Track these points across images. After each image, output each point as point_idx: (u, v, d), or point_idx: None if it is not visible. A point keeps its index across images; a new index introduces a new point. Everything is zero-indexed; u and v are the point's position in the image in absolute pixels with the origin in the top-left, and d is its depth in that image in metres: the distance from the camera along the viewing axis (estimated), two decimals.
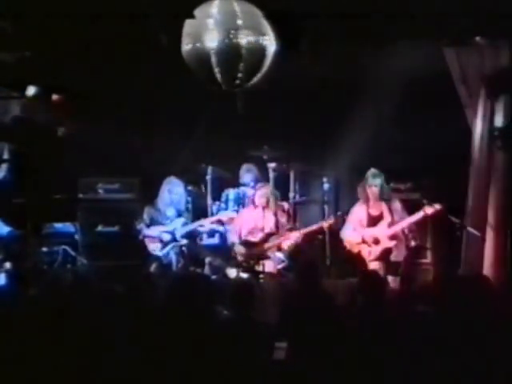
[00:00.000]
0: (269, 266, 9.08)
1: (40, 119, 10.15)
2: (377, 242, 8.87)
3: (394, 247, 8.83)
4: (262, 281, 8.95)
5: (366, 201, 8.97)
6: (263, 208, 9.39)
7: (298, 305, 6.52)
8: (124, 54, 9.51)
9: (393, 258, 8.85)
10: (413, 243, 8.85)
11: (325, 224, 9.29)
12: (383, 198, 8.95)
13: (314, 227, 9.32)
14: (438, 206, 8.74)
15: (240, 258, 9.16)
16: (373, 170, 8.96)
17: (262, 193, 9.44)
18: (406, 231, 8.87)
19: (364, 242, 8.94)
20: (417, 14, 8.20)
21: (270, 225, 9.32)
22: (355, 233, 9.00)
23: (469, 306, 4.92)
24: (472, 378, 4.64)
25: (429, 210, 8.75)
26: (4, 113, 10.10)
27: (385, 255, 8.83)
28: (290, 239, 9.27)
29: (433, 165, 9.97)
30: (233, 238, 9.39)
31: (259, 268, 9.03)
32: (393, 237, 8.85)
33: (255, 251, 9.13)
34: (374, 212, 9.01)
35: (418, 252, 9.30)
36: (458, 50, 9.03)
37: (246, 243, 9.25)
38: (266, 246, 9.16)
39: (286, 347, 5.76)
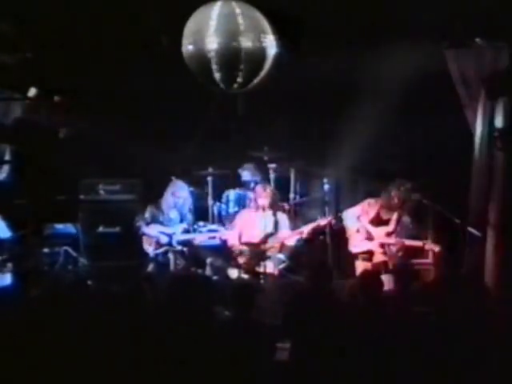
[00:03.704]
0: (269, 267, 9.09)
1: (41, 121, 10.17)
2: (369, 239, 8.95)
3: (382, 254, 8.89)
4: (262, 281, 8.96)
5: (386, 206, 8.98)
6: (263, 209, 9.39)
7: (300, 305, 6.53)
8: (125, 54, 9.54)
9: (378, 259, 8.91)
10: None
11: (322, 222, 9.30)
12: (402, 208, 8.98)
13: (311, 226, 9.30)
14: (436, 248, 8.90)
15: (240, 259, 9.17)
16: (399, 181, 8.97)
17: (264, 193, 9.43)
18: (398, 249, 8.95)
19: (358, 231, 8.99)
20: (417, 15, 8.21)
21: (270, 225, 9.33)
22: (356, 220, 9.05)
23: (468, 305, 4.95)
24: (471, 377, 4.67)
25: (428, 246, 8.91)
26: (6, 114, 10.12)
27: (369, 256, 8.91)
28: (290, 239, 9.28)
29: (433, 165, 9.99)
30: (233, 239, 9.38)
31: (260, 269, 9.04)
32: (383, 245, 8.91)
33: (255, 252, 9.13)
34: (385, 216, 9.03)
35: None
36: (458, 51, 9.04)
37: (246, 244, 9.24)
38: (266, 246, 9.16)
39: (288, 348, 5.78)
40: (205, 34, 7.95)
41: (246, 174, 10.44)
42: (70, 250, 9.87)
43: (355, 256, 9.01)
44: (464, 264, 9.06)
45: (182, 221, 9.69)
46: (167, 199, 9.68)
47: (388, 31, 8.66)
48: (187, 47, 8.15)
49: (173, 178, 9.89)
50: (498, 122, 8.93)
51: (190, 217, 9.79)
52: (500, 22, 8.35)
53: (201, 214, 10.26)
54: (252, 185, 10.25)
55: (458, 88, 9.16)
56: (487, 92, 8.95)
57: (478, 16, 8.28)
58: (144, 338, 5.24)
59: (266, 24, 7.91)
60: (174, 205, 9.66)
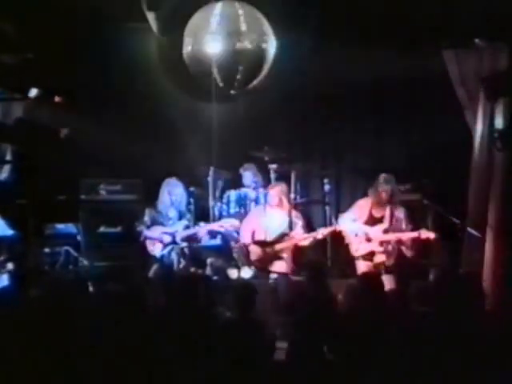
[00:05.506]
0: (280, 267, 9.04)
1: (42, 121, 10.18)
2: (368, 241, 8.91)
3: (383, 252, 8.85)
4: (272, 281, 8.93)
5: (376, 203, 8.94)
6: (276, 207, 9.32)
7: (300, 305, 6.55)
8: (125, 54, 9.56)
9: (380, 259, 8.88)
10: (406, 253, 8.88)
11: (338, 228, 9.24)
12: (392, 202, 8.94)
13: (327, 230, 9.24)
14: (432, 235, 8.81)
15: (253, 257, 9.11)
16: (384, 175, 8.92)
17: (275, 192, 9.36)
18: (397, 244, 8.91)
19: (357, 235, 8.97)
20: (416, 15, 8.23)
21: (284, 225, 9.24)
22: (352, 224, 9.01)
23: (468, 305, 4.95)
24: (471, 378, 4.67)
25: (424, 234, 8.79)
26: (6, 114, 10.14)
27: (370, 256, 8.88)
28: (304, 241, 9.20)
29: (433, 166, 10.00)
30: (244, 238, 9.29)
31: (272, 268, 9.00)
32: (383, 243, 8.87)
33: (268, 251, 9.08)
34: (377, 213, 8.98)
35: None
36: (458, 51, 9.05)
37: (258, 243, 9.17)
38: (280, 246, 9.09)
39: (286, 348, 5.79)
40: (205, 34, 7.98)
41: (246, 175, 10.43)
42: (71, 250, 9.87)
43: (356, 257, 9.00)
44: (463, 264, 9.07)
45: (181, 218, 9.69)
46: (163, 199, 9.64)
47: (388, 31, 8.67)
48: (188, 47, 8.18)
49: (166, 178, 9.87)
50: (498, 122, 8.93)
51: (188, 214, 9.78)
52: (500, 22, 8.35)
53: (202, 214, 10.26)
54: (253, 185, 10.25)
55: (458, 88, 9.17)
56: (487, 93, 8.95)
57: (478, 16, 8.29)
58: (144, 338, 5.25)
59: (266, 25, 7.94)
60: (171, 203, 9.62)
